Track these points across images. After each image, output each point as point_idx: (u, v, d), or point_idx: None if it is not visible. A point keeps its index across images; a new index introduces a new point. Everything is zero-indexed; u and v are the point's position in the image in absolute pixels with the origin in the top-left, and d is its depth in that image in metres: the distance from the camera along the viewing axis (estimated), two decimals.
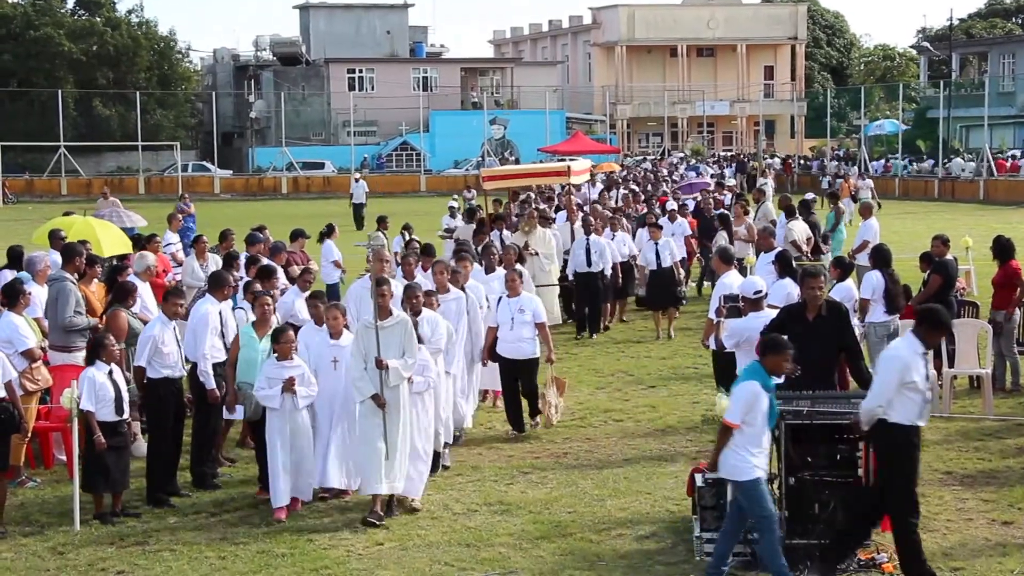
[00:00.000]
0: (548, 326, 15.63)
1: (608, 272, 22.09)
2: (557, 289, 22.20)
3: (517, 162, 68.55)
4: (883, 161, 68.64)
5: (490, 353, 15.06)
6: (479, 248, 19.34)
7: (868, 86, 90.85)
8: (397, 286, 13.66)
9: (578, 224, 23.21)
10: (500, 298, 15.13)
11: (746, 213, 25.24)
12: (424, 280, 15.25)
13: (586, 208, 26.29)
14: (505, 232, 22.89)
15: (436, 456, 12.82)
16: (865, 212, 23.20)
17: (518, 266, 17.00)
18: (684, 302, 22.78)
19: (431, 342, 12.79)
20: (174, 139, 75.18)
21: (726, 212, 25.64)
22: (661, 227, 22.97)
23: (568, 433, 15.14)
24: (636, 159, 72.40)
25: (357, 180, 49.72)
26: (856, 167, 64.65)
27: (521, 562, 10.59)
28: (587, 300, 22.15)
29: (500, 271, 16.62)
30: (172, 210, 27.61)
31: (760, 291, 12.26)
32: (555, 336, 20.26)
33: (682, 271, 23.25)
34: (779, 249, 17.34)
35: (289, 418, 12.00)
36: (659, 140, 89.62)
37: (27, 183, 68.40)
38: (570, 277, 22.28)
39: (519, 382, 15.03)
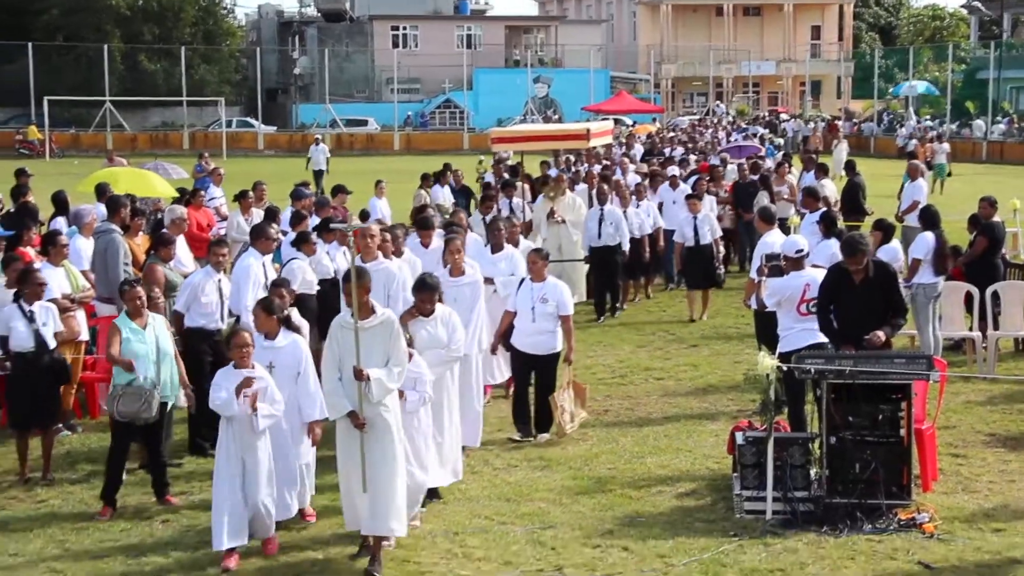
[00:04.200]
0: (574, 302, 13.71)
1: (626, 246, 19.86)
2: (585, 264, 20.44)
3: (560, 120, 68.26)
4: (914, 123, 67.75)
5: (504, 342, 13.24)
6: (485, 220, 17.56)
7: (916, 47, 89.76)
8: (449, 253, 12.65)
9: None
10: (522, 280, 13.20)
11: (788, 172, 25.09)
12: (417, 259, 13.73)
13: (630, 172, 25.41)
14: (515, 201, 21.20)
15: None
16: (914, 173, 22.97)
17: (531, 243, 15.30)
18: (722, 283, 20.81)
19: (450, 348, 10.79)
20: (218, 95, 75.24)
21: (767, 173, 25.25)
22: (701, 198, 20.81)
23: (608, 391, 15.16)
24: (674, 121, 71.83)
25: (318, 143, 44.98)
26: (903, 127, 63.88)
27: (560, 517, 10.63)
28: (602, 278, 20.03)
29: (509, 249, 14.60)
30: (216, 165, 27.78)
31: (801, 250, 12.19)
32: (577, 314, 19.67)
33: (722, 248, 21.33)
34: (823, 209, 17.26)
35: (242, 438, 9.71)
36: (704, 100, 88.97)
37: (73, 137, 68.71)
38: (584, 252, 20.18)
39: (533, 380, 13.21)
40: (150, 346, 10.87)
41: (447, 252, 12.73)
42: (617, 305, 20.26)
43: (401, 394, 9.77)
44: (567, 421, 12.97)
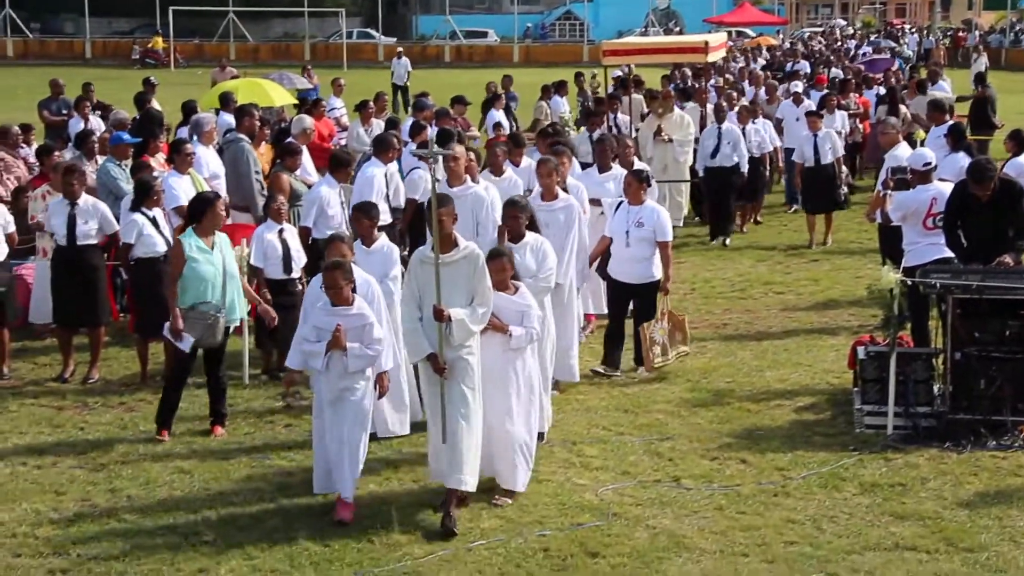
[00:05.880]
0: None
1: (744, 167, 18.90)
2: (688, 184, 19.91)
3: (681, 33, 67.32)
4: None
5: (600, 270, 12.50)
6: (592, 137, 17.06)
7: None
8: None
9: (709, 109, 20.11)
10: (620, 203, 12.32)
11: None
12: (514, 177, 12.92)
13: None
14: (621, 116, 20.35)
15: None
16: None
17: (640, 164, 14.23)
18: (844, 206, 19.54)
19: (539, 277, 10.08)
20: (339, 6, 75.36)
21: (893, 87, 24.62)
22: (821, 116, 19.59)
23: (728, 304, 15.09)
24: (798, 33, 70.37)
25: (400, 56, 43.35)
26: None
27: (678, 429, 10.64)
28: (717, 200, 19.20)
29: (617, 169, 13.60)
30: (337, 76, 27.96)
31: (929, 163, 11.94)
32: (683, 236, 18.71)
33: (844, 169, 19.91)
34: (952, 122, 16.85)
35: (335, 386, 8.83)
36: (829, 12, 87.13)
37: (196, 47, 69.48)
38: (700, 172, 19.28)
39: (629, 310, 12.34)
40: (217, 268, 10.48)
41: (539, 176, 11.78)
42: (731, 228, 19.33)
43: (505, 329, 9.01)
44: (657, 354, 12.09)
